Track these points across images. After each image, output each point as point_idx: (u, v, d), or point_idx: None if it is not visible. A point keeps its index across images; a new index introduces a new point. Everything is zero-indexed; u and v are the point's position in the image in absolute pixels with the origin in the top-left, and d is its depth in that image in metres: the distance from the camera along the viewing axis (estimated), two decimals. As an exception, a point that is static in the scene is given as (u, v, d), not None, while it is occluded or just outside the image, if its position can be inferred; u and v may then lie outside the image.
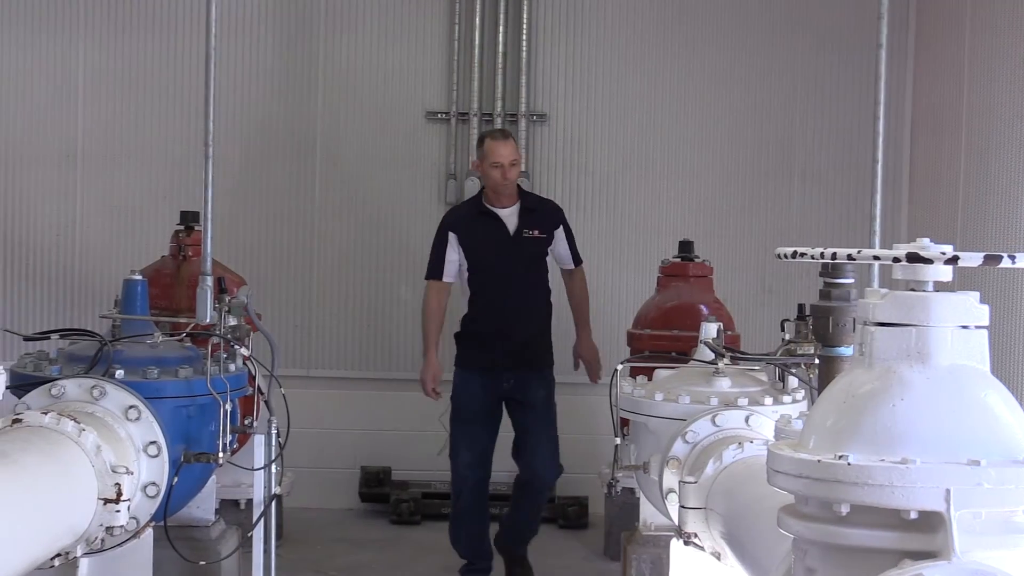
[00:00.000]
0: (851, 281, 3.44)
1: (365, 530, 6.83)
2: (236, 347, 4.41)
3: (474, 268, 5.66)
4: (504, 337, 5.57)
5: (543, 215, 5.74)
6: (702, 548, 3.57)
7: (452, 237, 5.65)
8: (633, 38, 7.44)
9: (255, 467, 4.40)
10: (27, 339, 4.78)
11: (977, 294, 2.15)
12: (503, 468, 6.80)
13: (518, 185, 5.76)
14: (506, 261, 5.63)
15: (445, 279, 5.67)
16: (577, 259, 5.87)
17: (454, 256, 5.65)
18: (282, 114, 7.40)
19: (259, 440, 4.42)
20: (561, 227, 5.78)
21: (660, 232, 7.30)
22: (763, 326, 6.69)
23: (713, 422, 3.94)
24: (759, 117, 7.46)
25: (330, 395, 7.31)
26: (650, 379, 4.53)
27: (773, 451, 2.17)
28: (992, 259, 2.08)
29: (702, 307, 5.86)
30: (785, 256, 2.36)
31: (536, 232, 5.67)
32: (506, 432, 5.85)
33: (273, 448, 4.42)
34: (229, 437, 4.21)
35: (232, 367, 4.36)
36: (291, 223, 7.40)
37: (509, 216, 5.66)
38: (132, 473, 3.66)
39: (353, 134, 7.43)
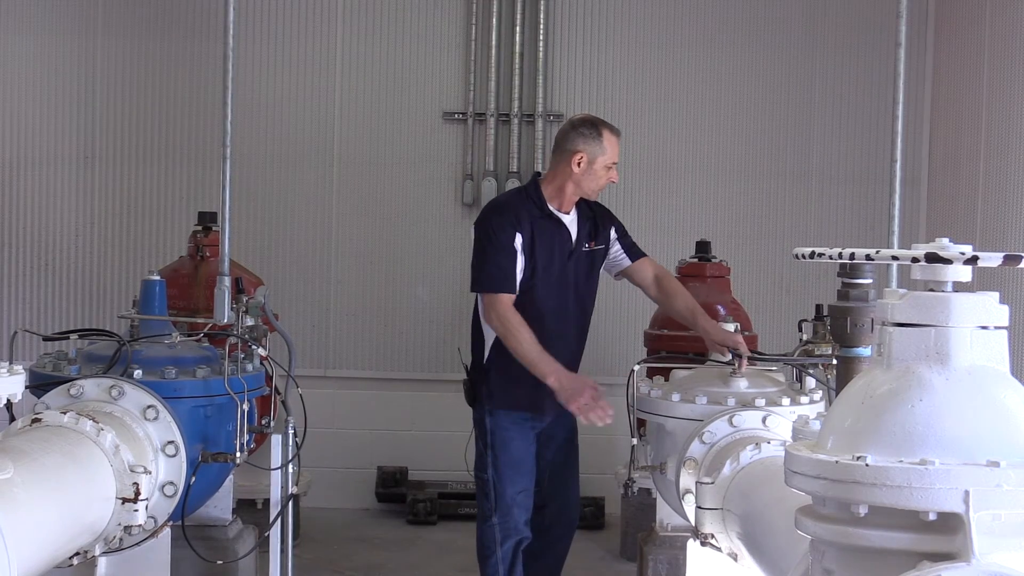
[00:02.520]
0: (869, 281, 3.43)
1: (382, 530, 6.83)
2: (253, 347, 4.43)
3: (528, 283, 4.47)
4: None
5: (598, 221, 4.63)
6: (719, 549, 3.56)
7: (519, 239, 4.43)
8: (650, 38, 7.43)
9: (272, 467, 4.41)
10: (46, 339, 4.81)
11: (996, 294, 2.13)
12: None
13: None
14: (566, 278, 4.52)
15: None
16: (639, 250, 4.73)
17: (520, 263, 4.44)
18: (299, 114, 7.42)
19: (276, 440, 4.43)
20: (613, 228, 4.68)
21: (677, 232, 7.29)
22: (780, 326, 6.67)
23: (730, 423, 3.93)
24: (777, 116, 7.43)
25: (347, 395, 7.33)
26: (667, 380, 4.52)
27: (791, 452, 2.16)
28: (1012, 259, 2.07)
29: (719, 307, 5.84)
30: (803, 256, 2.36)
31: (594, 244, 4.60)
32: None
33: (290, 448, 4.43)
34: (246, 437, 4.23)
35: (249, 367, 4.37)
36: (308, 223, 7.42)
37: (571, 223, 4.55)
38: (150, 472, 3.68)
39: (370, 134, 7.44)
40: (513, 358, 4.41)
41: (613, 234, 4.66)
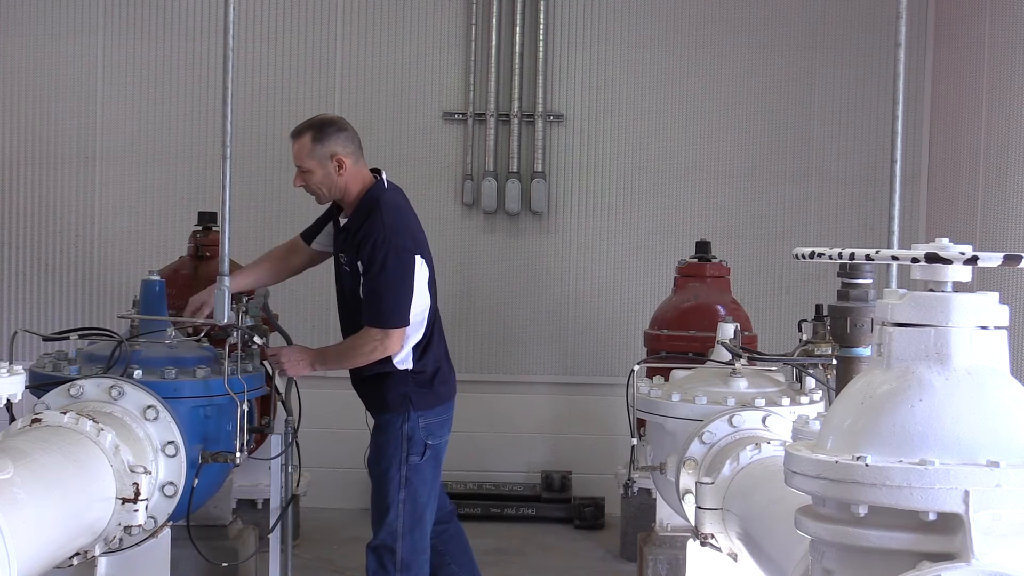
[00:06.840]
0: (869, 281, 3.43)
1: (382, 530, 6.82)
2: (255, 340, 4.42)
3: None
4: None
5: (356, 237, 4.29)
6: (719, 549, 3.56)
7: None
8: (650, 39, 7.43)
9: (271, 465, 4.41)
10: (46, 339, 4.80)
11: (996, 294, 2.13)
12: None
13: (369, 193, 4.43)
14: (338, 279, 4.50)
15: None
16: (372, 317, 4.23)
17: None
18: (299, 114, 7.38)
19: (276, 440, 4.43)
20: (360, 263, 4.24)
21: (677, 232, 7.29)
22: (780, 326, 6.67)
23: (730, 423, 3.93)
24: (777, 117, 7.43)
25: (347, 395, 7.28)
26: (667, 380, 4.53)
27: (791, 452, 2.16)
28: (1012, 259, 2.07)
29: (719, 307, 5.84)
30: (803, 256, 2.36)
31: (344, 259, 4.38)
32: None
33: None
34: (246, 437, 4.22)
35: (249, 367, 4.37)
36: (308, 223, 7.39)
37: (343, 230, 4.44)
38: (150, 473, 3.67)
39: (370, 135, 7.40)
40: None
41: (360, 268, 4.26)
